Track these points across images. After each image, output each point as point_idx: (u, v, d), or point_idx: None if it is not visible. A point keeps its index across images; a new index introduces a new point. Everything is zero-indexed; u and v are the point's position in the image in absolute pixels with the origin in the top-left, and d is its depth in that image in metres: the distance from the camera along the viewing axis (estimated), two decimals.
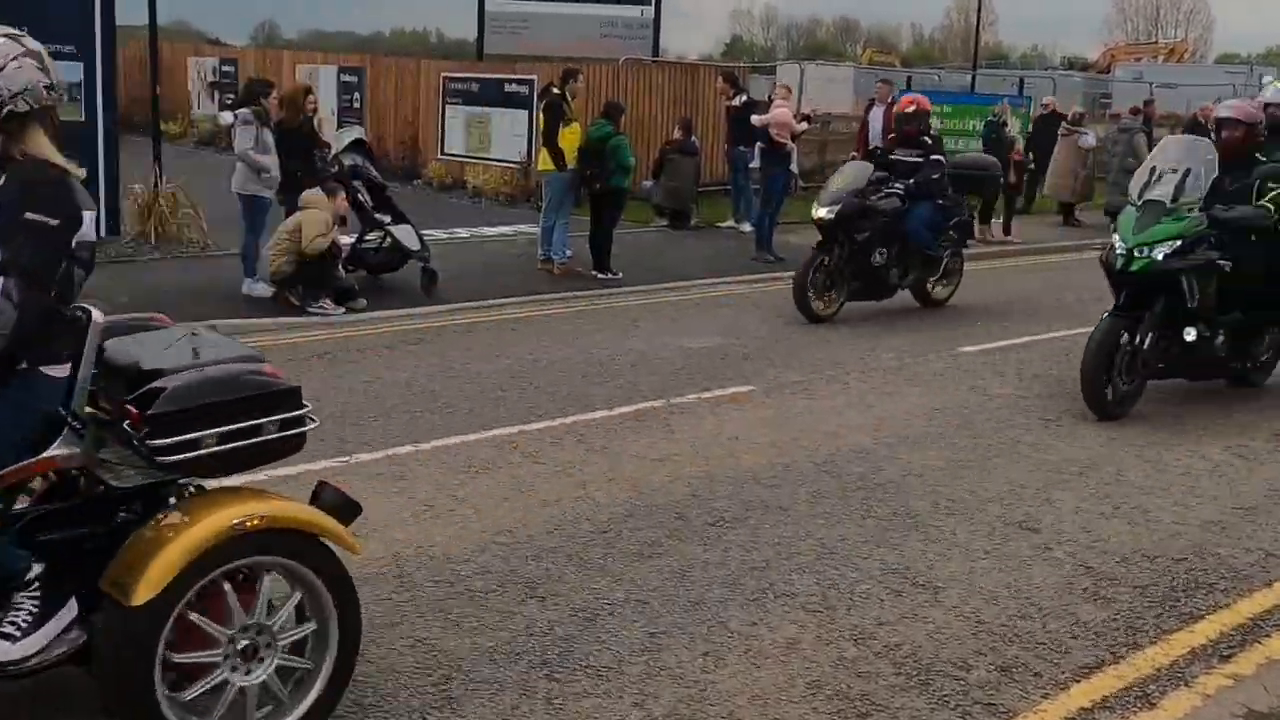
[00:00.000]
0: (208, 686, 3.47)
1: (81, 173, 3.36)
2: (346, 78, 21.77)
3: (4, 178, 3.21)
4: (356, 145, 11.71)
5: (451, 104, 19.49)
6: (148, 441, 3.35)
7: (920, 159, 11.18)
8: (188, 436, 3.38)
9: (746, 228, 15.54)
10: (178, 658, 3.39)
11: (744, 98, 16.08)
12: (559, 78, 12.81)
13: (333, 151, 11.38)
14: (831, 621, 4.67)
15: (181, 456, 3.38)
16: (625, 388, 8.11)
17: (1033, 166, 18.01)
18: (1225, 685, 4.29)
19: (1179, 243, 7.44)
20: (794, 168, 15.28)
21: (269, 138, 10.36)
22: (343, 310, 10.11)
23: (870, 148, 16.62)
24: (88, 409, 3.48)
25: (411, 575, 4.95)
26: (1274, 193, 7.70)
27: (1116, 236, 7.68)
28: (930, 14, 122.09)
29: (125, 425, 3.40)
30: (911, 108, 11.71)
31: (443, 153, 19.58)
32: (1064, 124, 18.30)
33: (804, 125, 15.61)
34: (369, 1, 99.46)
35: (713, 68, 21.82)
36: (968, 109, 20.00)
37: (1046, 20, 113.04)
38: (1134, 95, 26.33)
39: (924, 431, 7.31)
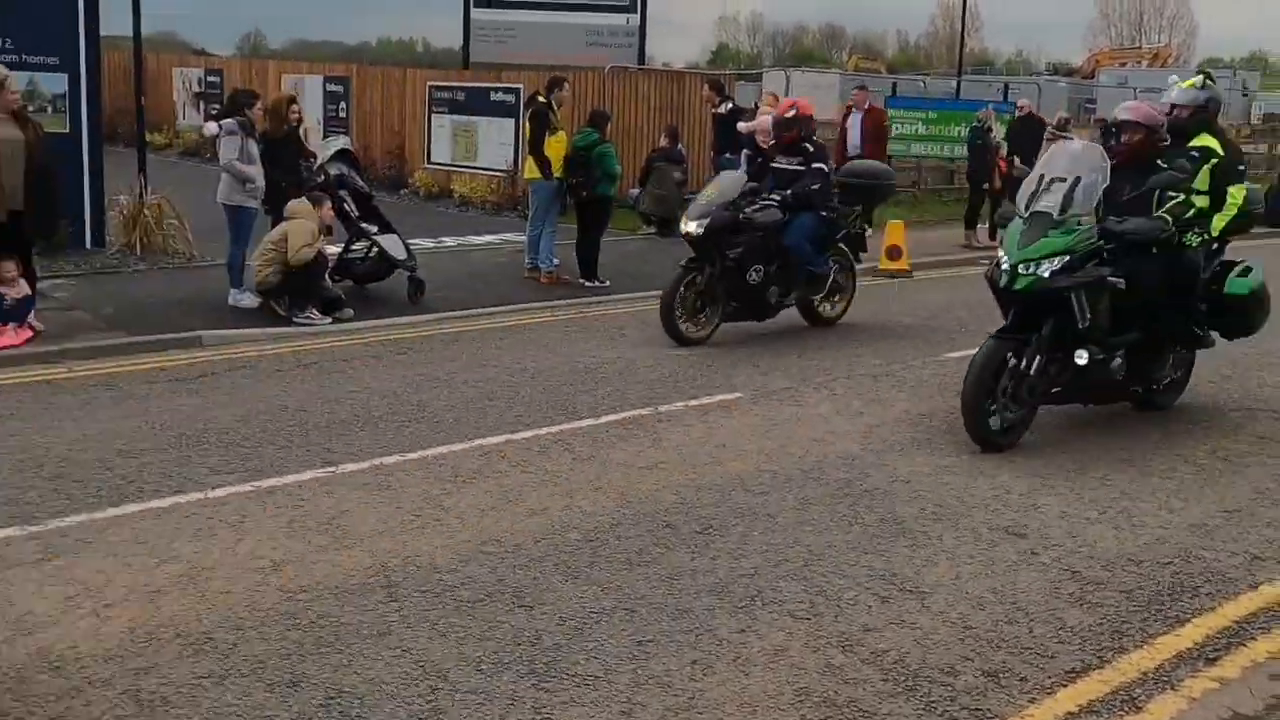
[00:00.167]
0: None
1: None
2: (332, 87, 21.78)
3: None
4: (342, 155, 11.69)
5: (438, 113, 19.50)
6: None
7: (801, 167, 10.30)
8: None
9: None
10: None
11: (730, 105, 16.12)
12: (545, 86, 12.80)
13: (318, 161, 11.37)
14: (819, 628, 4.67)
15: None
16: (612, 396, 8.11)
17: (1026, 170, 18.02)
18: (1211, 688, 4.30)
19: (1067, 258, 6.87)
20: None
21: (254, 148, 10.35)
22: (329, 320, 10.09)
23: (849, 156, 16.72)
24: None
25: (398, 585, 4.94)
26: (1173, 202, 7.18)
27: (1002, 251, 7.14)
28: (916, 21, 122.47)
29: None
30: (790, 112, 10.55)
31: (429, 162, 19.58)
32: (1050, 129, 18.35)
33: None
34: (355, 11, 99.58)
35: (699, 75, 21.85)
36: (953, 115, 20.11)
37: (1031, 26, 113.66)
38: (1119, 100, 26.40)
39: (910, 438, 7.33)
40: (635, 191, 16.45)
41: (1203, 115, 7.81)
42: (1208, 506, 6.24)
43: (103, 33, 12.80)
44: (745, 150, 14.73)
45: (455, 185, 18.63)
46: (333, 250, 10.97)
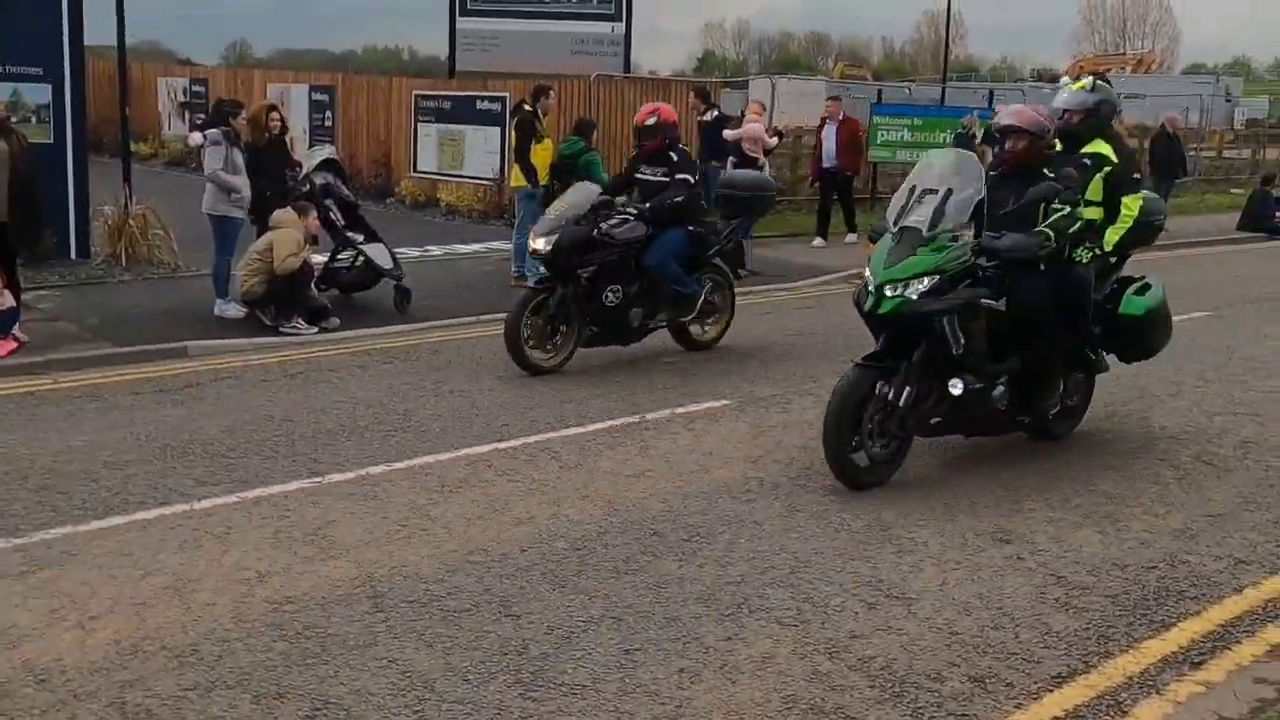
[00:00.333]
0: None
1: None
2: (318, 96, 21.75)
3: None
4: (328, 164, 11.68)
5: (424, 121, 19.49)
6: None
7: (666, 179, 9.33)
8: None
9: None
10: None
11: (715, 113, 16.14)
12: (530, 95, 12.83)
13: (304, 170, 11.36)
14: (806, 635, 4.68)
15: None
16: (599, 404, 8.11)
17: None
18: (1197, 692, 4.32)
19: (937, 278, 6.20)
20: None
21: (239, 158, 10.33)
22: (315, 330, 10.08)
23: (824, 167, 16.76)
24: None
25: (385, 596, 4.93)
26: (1057, 215, 6.48)
27: (868, 270, 6.44)
28: (901, 28, 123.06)
29: None
30: (652, 119, 9.45)
31: (415, 170, 19.56)
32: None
33: (775, 140, 15.67)
34: (341, 20, 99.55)
35: (685, 83, 21.87)
36: (938, 122, 20.13)
37: (1016, 32, 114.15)
38: None
39: None
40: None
41: (1094, 120, 7.18)
42: (1192, 511, 6.26)
43: (87, 42, 12.81)
44: (731, 158, 14.76)
45: (441, 194, 18.61)
46: (318, 259, 10.96)
